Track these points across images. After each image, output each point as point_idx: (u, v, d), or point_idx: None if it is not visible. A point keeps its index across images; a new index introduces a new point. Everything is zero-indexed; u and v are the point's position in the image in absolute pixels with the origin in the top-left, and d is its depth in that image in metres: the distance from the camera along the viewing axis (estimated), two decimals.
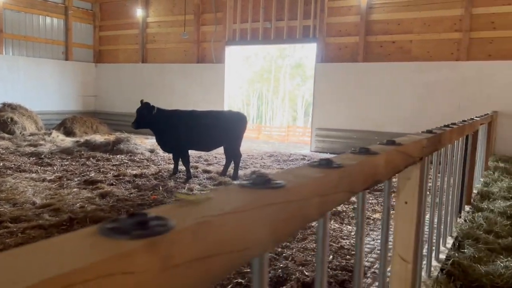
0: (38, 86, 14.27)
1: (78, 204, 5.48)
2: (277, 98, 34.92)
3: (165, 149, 7.66)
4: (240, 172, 7.96)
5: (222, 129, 7.37)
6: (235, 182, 7.16)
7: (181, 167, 7.78)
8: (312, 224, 5.18)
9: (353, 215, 5.66)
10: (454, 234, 3.90)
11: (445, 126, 3.13)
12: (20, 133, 11.43)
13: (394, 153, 1.65)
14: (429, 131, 2.52)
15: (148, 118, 7.13)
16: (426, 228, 3.36)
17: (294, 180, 0.95)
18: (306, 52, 25.11)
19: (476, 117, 5.18)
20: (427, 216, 4.25)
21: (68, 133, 12.83)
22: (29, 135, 11.33)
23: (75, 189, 6.34)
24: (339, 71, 11.83)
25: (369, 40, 11.51)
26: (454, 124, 3.41)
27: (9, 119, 11.59)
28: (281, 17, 12.73)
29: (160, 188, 6.63)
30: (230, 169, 7.95)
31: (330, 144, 12.01)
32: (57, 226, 4.50)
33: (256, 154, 11.10)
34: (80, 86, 15.80)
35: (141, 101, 7.49)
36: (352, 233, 4.94)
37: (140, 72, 15.35)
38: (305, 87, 30.63)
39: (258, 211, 0.77)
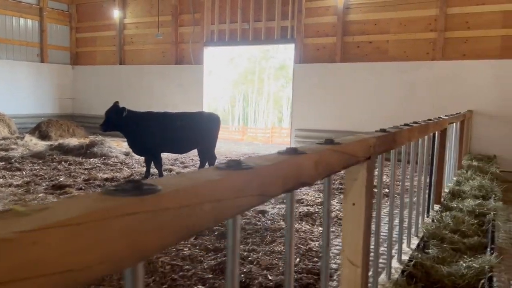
0: (13, 89, 13.93)
1: None
2: (261, 100, 34.90)
3: (137, 152, 7.50)
4: None
5: (195, 131, 7.25)
6: None
7: (154, 170, 7.63)
8: (283, 227, 5.10)
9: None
10: (421, 235, 3.86)
11: (405, 124, 3.08)
12: None
13: (328, 153, 1.56)
14: (383, 130, 2.45)
15: (117, 121, 6.96)
16: (387, 229, 3.31)
17: (180, 184, 0.86)
18: (289, 54, 25.13)
19: (445, 116, 5.17)
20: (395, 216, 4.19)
21: (43, 136, 12.54)
22: (1, 139, 11.02)
23: (41, 194, 6.15)
24: (318, 72, 11.81)
25: (347, 41, 11.52)
26: (416, 122, 3.37)
27: None
28: (259, 18, 12.67)
29: None
30: None
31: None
32: None
33: (235, 155, 11.00)
34: (56, 88, 15.48)
35: (115, 103, 7.32)
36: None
37: (118, 74, 15.12)
38: (290, 88, 30.69)
39: (106, 222, 0.67)
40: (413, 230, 3.80)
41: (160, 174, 7.24)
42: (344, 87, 11.45)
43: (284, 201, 6.36)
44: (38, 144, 10.85)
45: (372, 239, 2.45)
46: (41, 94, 14.93)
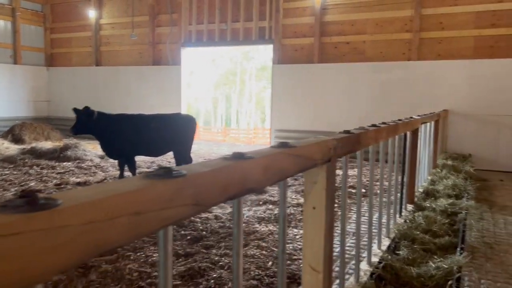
0: None
1: None
2: (244, 100, 34.85)
3: (110, 155, 7.32)
4: None
5: (170, 133, 7.13)
6: None
7: (128, 173, 7.48)
8: (257, 230, 5.04)
9: (301, 217, 5.56)
10: (392, 236, 3.84)
11: (372, 125, 3.05)
12: None
13: (281, 157, 1.50)
14: (347, 131, 2.41)
15: (88, 123, 6.78)
16: (353, 227, 3.27)
17: (87, 197, 0.78)
18: (270, 54, 25.14)
19: (417, 115, 5.19)
20: (368, 217, 4.17)
21: (17, 140, 12.19)
22: None
23: None
24: (296, 73, 11.80)
25: (324, 41, 11.54)
26: (385, 123, 3.34)
27: None
28: (237, 18, 12.59)
29: None
30: None
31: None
32: None
33: (214, 157, 10.87)
34: (31, 91, 15.11)
35: (85, 107, 7.10)
36: (297, 236, 4.82)
37: (95, 76, 14.84)
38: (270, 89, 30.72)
39: None
40: (384, 231, 3.78)
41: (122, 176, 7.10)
42: (323, 87, 11.47)
43: (261, 203, 6.28)
44: (10, 148, 10.53)
45: (342, 242, 2.40)
46: (14, 96, 14.54)
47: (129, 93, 14.12)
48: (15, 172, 8.06)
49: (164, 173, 0.99)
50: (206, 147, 14.17)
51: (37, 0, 15.27)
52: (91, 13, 14.62)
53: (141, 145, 6.96)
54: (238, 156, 1.30)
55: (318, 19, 11.47)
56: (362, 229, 3.71)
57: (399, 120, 4.00)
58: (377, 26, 10.98)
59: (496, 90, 9.60)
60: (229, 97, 35.46)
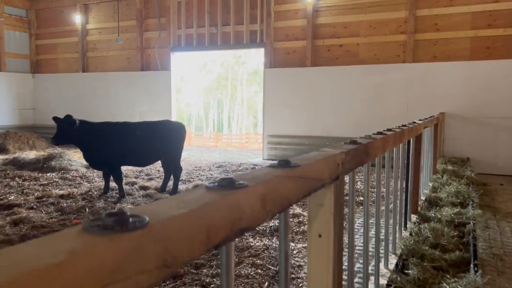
0: None
1: None
2: (235, 105, 34.53)
3: (94, 166, 6.91)
4: (182, 186, 7.39)
5: (158, 141, 6.77)
6: None
7: (114, 184, 7.10)
8: (251, 245, 4.70)
9: (297, 229, 5.23)
10: (399, 252, 3.53)
11: (378, 133, 2.74)
12: None
13: (281, 180, 1.18)
14: (353, 142, 2.09)
15: (70, 132, 6.38)
16: (361, 243, 2.95)
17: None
18: (262, 59, 24.88)
19: (419, 120, 4.90)
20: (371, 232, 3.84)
21: (0, 150, 11.76)
22: None
23: None
24: (288, 76, 11.52)
25: (317, 44, 11.28)
26: (390, 130, 3.03)
27: None
28: (227, 22, 12.30)
29: (87, 210, 5.94)
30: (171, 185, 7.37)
31: (282, 151, 11.64)
32: None
33: (204, 165, 10.54)
34: (16, 98, 14.66)
35: (67, 115, 6.69)
36: (294, 252, 4.49)
37: (82, 82, 14.43)
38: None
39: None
40: (390, 246, 3.47)
41: (120, 189, 6.70)
42: (316, 91, 11.19)
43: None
44: None
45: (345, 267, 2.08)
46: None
47: (118, 100, 13.74)
48: None
49: (114, 224, 0.66)
50: (197, 153, 13.81)
51: (22, 5, 14.85)
52: (77, 18, 14.24)
53: (127, 155, 6.59)
54: (226, 185, 0.97)
55: (311, 21, 11.21)
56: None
57: (403, 125, 3.70)
58: (371, 28, 10.74)
59: (493, 91, 9.39)
60: (221, 102, 35.13)
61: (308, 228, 1.67)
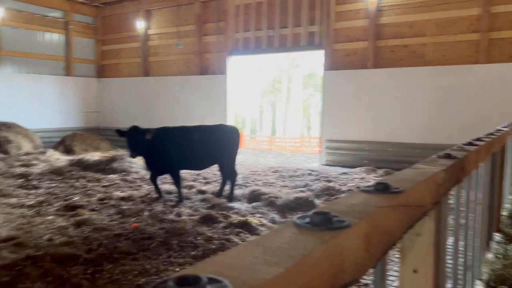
0: (38, 103, 13.89)
1: (47, 236, 4.84)
2: (290, 109, 34.24)
3: (156, 171, 6.81)
4: (238, 192, 7.26)
5: (214, 145, 6.69)
6: (230, 204, 6.47)
7: (169, 186, 7.11)
8: None
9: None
10: (484, 277, 3.11)
11: (468, 143, 2.38)
12: (15, 153, 10.95)
13: (385, 213, 0.92)
14: (448, 155, 1.77)
15: (144, 142, 6.27)
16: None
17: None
18: (318, 61, 24.40)
19: (503, 127, 4.37)
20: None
21: (68, 151, 12.32)
22: (24, 155, 10.83)
23: (50, 217, 5.72)
24: (348, 79, 11.09)
25: (379, 45, 10.76)
26: (479, 139, 2.65)
27: (3, 139, 11.14)
28: (285, 24, 12.09)
29: (145, 213, 5.96)
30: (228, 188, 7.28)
31: (340, 156, 11.23)
32: (10, 268, 3.85)
33: (260, 169, 10.39)
34: (82, 102, 15.39)
35: (134, 126, 6.50)
36: None
37: (143, 86, 14.87)
38: (318, 96, 29.90)
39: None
40: (474, 271, 3.05)
41: (180, 193, 6.68)
42: (377, 94, 10.67)
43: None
44: (60, 159, 10.57)
45: None
46: (66, 107, 14.85)
47: (177, 103, 13.99)
48: (61, 185, 7.96)
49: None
50: (252, 157, 13.71)
51: (89, 13, 15.60)
52: (140, 24, 14.69)
53: (185, 159, 6.56)
54: (322, 222, 0.74)
55: (373, 21, 10.72)
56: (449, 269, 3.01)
57: (491, 134, 3.26)
58: (438, 27, 10.05)
59: None
60: (275, 105, 34.95)
61: (401, 261, 1.40)
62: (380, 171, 9.68)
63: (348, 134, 11.12)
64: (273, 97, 35.17)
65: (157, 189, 6.85)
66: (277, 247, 0.65)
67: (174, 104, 14.08)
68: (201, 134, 6.69)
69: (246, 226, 5.21)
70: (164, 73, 14.56)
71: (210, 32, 13.46)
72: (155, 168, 6.68)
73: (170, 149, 6.45)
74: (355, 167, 10.24)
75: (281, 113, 34.54)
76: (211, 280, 0.49)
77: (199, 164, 6.86)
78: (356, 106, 10.95)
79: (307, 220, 0.78)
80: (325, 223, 0.76)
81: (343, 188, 7.61)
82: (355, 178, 9.00)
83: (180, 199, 6.60)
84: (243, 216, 5.76)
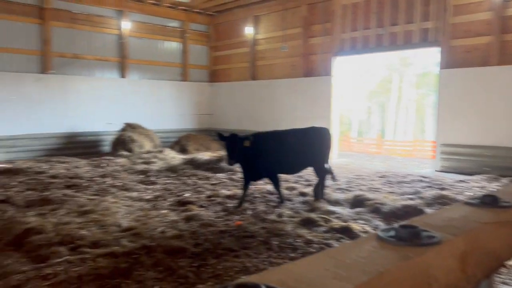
0: (158, 106, 15.24)
1: (160, 229, 5.27)
2: (401, 110, 32.45)
3: (253, 178, 6.81)
4: (341, 196, 7.08)
5: (307, 148, 6.63)
6: (331, 207, 6.34)
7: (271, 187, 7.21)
8: None
9: None
10: None
11: None
12: (137, 151, 12.17)
13: (490, 230, 0.81)
14: None
15: (243, 150, 6.33)
16: None
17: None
18: (431, 59, 22.71)
19: None
20: None
21: (182, 150, 13.31)
22: (145, 153, 11.98)
23: (164, 211, 6.22)
24: (468, 77, 10.12)
25: (506, 39, 9.61)
26: None
27: (128, 138, 12.45)
28: (395, 21, 11.49)
29: (249, 212, 6.15)
30: (332, 193, 7.18)
31: (457, 162, 10.29)
32: (128, 255, 4.27)
33: (365, 173, 10.02)
34: (195, 105, 16.49)
35: (232, 134, 6.52)
36: None
37: (251, 89, 15.40)
38: (433, 97, 27.84)
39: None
40: None
41: (280, 195, 6.75)
42: (501, 95, 9.55)
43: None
44: (175, 158, 11.47)
45: None
46: (182, 110, 16.04)
47: (282, 106, 14.20)
48: (175, 182, 8.61)
49: None
50: (357, 160, 13.30)
51: (204, 21, 16.65)
52: (248, 30, 15.24)
53: (281, 163, 6.60)
54: (407, 236, 0.68)
55: (498, 13, 9.63)
56: None
57: None
58: None
59: None
60: (384, 107, 33.40)
61: None
62: (504, 180, 8.64)
63: (466, 137, 10.15)
64: (382, 98, 33.65)
65: (244, 197, 6.65)
66: (352, 260, 0.61)
67: (279, 106, 14.31)
68: (295, 137, 6.70)
69: (347, 232, 5.06)
70: (270, 76, 14.89)
71: (316, 34, 13.39)
72: (253, 175, 6.69)
73: (266, 154, 6.51)
74: (474, 175, 9.30)
75: (391, 114, 32.89)
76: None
77: (293, 168, 6.86)
78: (476, 107, 9.93)
79: (392, 233, 0.72)
80: (411, 238, 0.69)
81: (459, 197, 6.96)
82: (473, 187, 8.17)
83: (281, 200, 6.67)
84: (345, 221, 5.60)
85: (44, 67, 12.80)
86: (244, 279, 0.50)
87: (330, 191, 7.35)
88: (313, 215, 5.81)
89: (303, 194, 7.28)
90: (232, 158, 6.37)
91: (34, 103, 12.51)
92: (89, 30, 13.77)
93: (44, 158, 11.79)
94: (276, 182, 6.72)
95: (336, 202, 6.71)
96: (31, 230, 4.94)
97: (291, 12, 14.03)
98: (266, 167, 6.58)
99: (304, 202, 6.75)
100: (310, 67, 13.60)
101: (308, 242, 4.78)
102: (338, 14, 12.71)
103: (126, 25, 14.35)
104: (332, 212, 6.07)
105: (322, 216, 5.80)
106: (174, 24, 15.95)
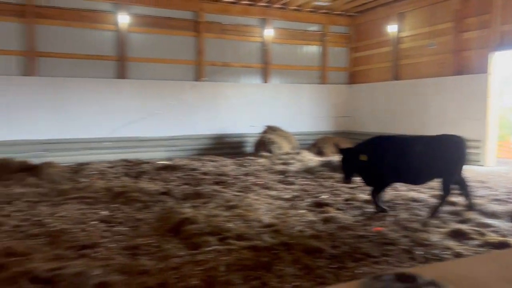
0: (296, 109, 15.62)
1: (298, 228, 5.42)
2: None
3: (369, 184, 6.55)
4: (498, 208, 6.28)
5: (435, 157, 5.98)
6: (487, 220, 5.68)
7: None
8: None
9: None
10: None
11: None
12: (277, 152, 12.67)
13: None
14: None
15: (359, 163, 6.20)
16: None
17: None
18: None
19: None
20: None
21: (319, 152, 13.42)
22: (283, 154, 12.40)
23: (302, 211, 6.36)
24: None
25: None
26: None
27: (269, 140, 13.05)
28: None
29: (389, 219, 5.89)
30: (488, 204, 6.44)
31: None
32: (269, 250, 4.50)
33: None
34: (333, 107, 16.42)
35: (342, 149, 6.55)
36: None
37: (392, 90, 14.71)
38: None
39: None
40: None
41: (378, 206, 6.28)
42: None
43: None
44: (312, 160, 11.63)
45: None
46: (319, 112, 16.14)
47: (428, 107, 13.22)
48: (312, 183, 8.73)
49: None
50: None
51: (344, 23, 16.51)
52: (391, 28, 14.58)
53: (402, 171, 6.13)
54: None
55: None
56: None
57: None
58: None
59: None
60: None
61: None
62: None
63: None
64: None
65: (377, 204, 6.34)
66: None
67: (423, 108, 13.35)
68: (420, 145, 6.11)
69: (506, 248, 4.48)
70: (414, 75, 13.99)
71: (470, 28, 12.12)
72: (370, 181, 6.43)
73: (383, 159, 6.12)
74: None
75: None
76: (430, 283, 0.48)
77: (416, 178, 6.26)
78: None
79: None
80: None
81: None
82: None
83: (381, 210, 6.22)
84: (503, 236, 4.97)
85: (198, 75, 14.25)
86: (404, 270, 0.52)
87: (486, 202, 6.60)
88: (464, 227, 5.30)
89: (452, 203, 6.67)
90: (348, 176, 6.28)
91: (190, 108, 14.01)
92: (236, 39, 14.85)
93: (197, 156, 13.11)
94: (379, 192, 6.29)
95: (492, 214, 5.98)
96: (186, 220, 5.57)
97: (441, 6, 12.97)
98: (381, 173, 6.20)
99: (453, 212, 6.18)
100: (462, 64, 12.36)
101: (458, 255, 4.38)
102: (498, 4, 11.29)
103: (269, 32, 15.07)
104: (488, 225, 5.44)
105: (475, 228, 5.25)
106: (314, 28, 16.16)
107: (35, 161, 10.17)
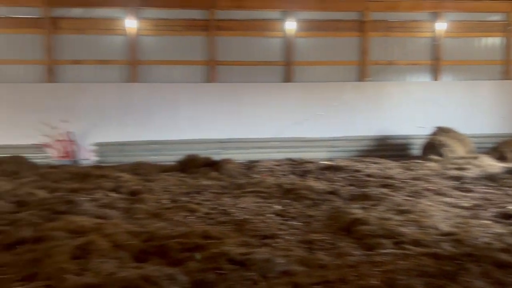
0: (472, 108, 14.09)
1: (484, 239, 4.93)
2: None
3: None
4: None
5: None
6: None
7: None
8: None
9: None
10: None
11: None
12: (449, 156, 11.64)
13: None
14: None
15: None
16: None
17: None
18: None
19: None
20: None
21: (501, 158, 11.88)
22: (457, 159, 11.33)
23: (486, 221, 5.76)
24: None
25: None
26: None
27: (439, 142, 12.08)
28: None
29: None
30: None
31: None
32: (451, 259, 4.22)
33: None
34: None
35: None
36: None
37: None
38: None
39: None
40: None
41: None
42: None
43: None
44: (493, 166, 10.37)
45: None
46: (502, 112, 14.23)
47: None
48: (496, 192, 7.80)
49: None
50: None
51: None
52: None
53: None
54: None
55: None
56: None
57: None
58: None
59: None
60: None
61: None
62: None
63: None
64: None
65: None
66: None
67: None
68: None
69: None
70: None
71: None
72: None
73: None
74: None
75: None
76: None
77: None
78: None
79: None
80: None
81: None
82: None
83: None
84: None
85: (362, 75, 14.06)
86: None
87: None
88: None
89: None
90: None
91: (351, 109, 13.92)
92: (403, 36, 14.15)
93: (358, 158, 12.96)
94: None
95: None
96: (357, 220, 5.60)
97: None
98: None
99: None
100: None
101: None
102: None
103: (441, 26, 13.95)
104: None
105: None
106: (496, 17, 14.33)
107: (215, 157, 11.48)
